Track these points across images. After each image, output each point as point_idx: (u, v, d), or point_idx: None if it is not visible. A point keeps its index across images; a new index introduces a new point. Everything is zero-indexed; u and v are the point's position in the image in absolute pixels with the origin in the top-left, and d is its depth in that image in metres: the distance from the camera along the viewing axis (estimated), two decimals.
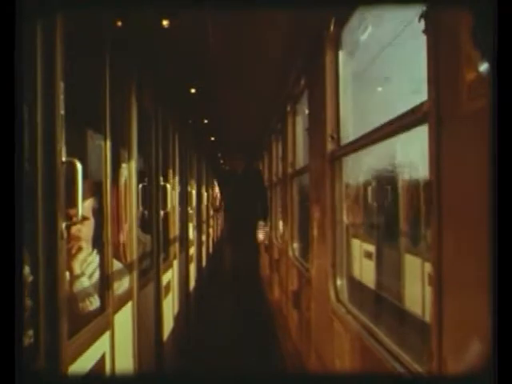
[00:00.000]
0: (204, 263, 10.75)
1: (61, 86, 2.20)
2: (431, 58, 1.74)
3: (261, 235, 7.35)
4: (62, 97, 2.21)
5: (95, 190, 3.23)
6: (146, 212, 4.72)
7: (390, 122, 2.61)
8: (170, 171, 6.07)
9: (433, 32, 1.73)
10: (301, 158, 6.02)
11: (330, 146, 3.60)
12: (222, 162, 13.59)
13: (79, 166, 2.19)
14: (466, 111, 1.48)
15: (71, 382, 2.12)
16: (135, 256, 3.88)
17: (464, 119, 1.51)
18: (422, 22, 1.82)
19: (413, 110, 2.04)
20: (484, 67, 1.38)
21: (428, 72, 1.77)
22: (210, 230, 13.72)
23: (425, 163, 1.86)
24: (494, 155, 1.21)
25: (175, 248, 6.22)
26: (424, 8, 1.78)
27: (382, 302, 7.32)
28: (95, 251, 3.23)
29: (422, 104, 1.89)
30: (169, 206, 5.29)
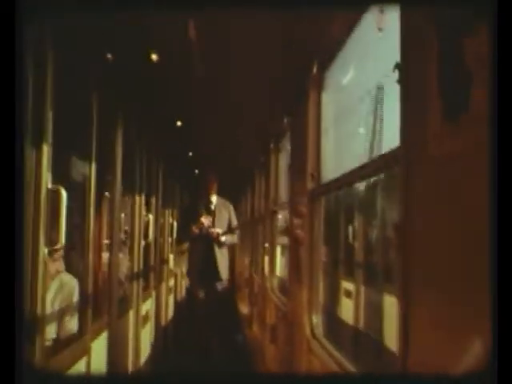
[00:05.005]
0: (184, 294, 10.71)
1: (50, 115, 2.28)
2: (403, 105, 1.84)
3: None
4: (50, 125, 2.28)
5: (77, 216, 3.28)
6: (128, 241, 4.77)
7: (367, 164, 2.72)
8: (153, 201, 6.12)
9: (404, 83, 1.83)
10: (283, 194, 6.08)
11: (310, 185, 3.67)
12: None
13: (64, 194, 2.25)
14: (433, 155, 1.57)
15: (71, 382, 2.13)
16: (115, 284, 3.92)
17: (431, 163, 1.59)
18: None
19: (386, 154, 2.14)
20: (449, 115, 1.47)
21: (400, 119, 1.86)
22: None
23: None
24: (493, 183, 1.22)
25: (155, 278, 6.24)
26: (398, 60, 1.87)
27: (357, 337, 7.36)
28: (76, 279, 3.26)
29: (394, 148, 1.98)
30: (150, 236, 5.33)
